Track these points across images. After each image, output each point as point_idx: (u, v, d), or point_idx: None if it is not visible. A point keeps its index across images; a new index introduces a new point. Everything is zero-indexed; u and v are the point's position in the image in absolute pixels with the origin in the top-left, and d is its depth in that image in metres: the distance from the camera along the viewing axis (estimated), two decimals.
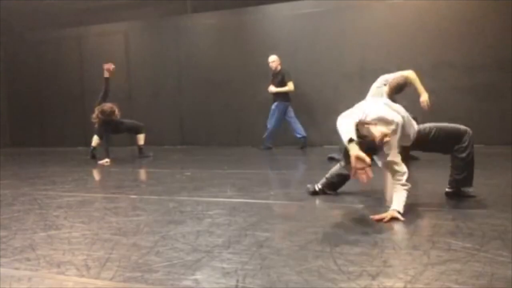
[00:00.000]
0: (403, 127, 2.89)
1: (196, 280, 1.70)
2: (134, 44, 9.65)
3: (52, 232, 2.50)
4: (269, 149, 7.46)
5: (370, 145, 2.76)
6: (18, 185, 4.66)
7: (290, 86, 7.53)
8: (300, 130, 7.62)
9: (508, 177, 3.92)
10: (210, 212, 2.99)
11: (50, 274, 1.82)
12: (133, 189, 3.94)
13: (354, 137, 2.54)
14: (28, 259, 2.02)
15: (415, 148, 3.34)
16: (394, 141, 2.79)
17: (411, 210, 2.87)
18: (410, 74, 4.99)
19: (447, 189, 3.26)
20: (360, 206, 2.95)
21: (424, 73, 7.49)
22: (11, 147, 9.95)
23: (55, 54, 10.33)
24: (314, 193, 3.45)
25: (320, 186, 3.46)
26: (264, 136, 7.56)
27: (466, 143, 3.18)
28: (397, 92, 4.74)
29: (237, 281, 1.67)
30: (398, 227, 2.39)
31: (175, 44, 8.97)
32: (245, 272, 1.76)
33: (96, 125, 6.99)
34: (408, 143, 3.08)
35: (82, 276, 1.79)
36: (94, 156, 7.13)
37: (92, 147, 7.29)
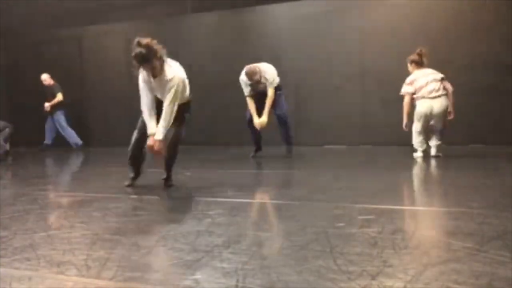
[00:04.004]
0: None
1: (196, 280, 1.70)
2: None
3: (52, 232, 2.50)
4: (78, 146, 8.94)
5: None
6: (18, 185, 4.66)
7: (59, 97, 8.93)
8: (49, 138, 9.12)
9: (508, 177, 3.93)
10: (210, 212, 2.99)
11: (50, 274, 1.82)
12: (133, 189, 3.94)
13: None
14: (28, 259, 2.02)
15: None
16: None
17: (411, 209, 2.88)
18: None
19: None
20: (360, 206, 2.95)
21: None
22: (11, 147, 9.95)
23: (55, 54, 10.33)
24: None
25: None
26: (78, 143, 8.98)
27: None
28: None
29: (237, 281, 1.67)
30: (398, 227, 2.39)
31: (175, 44, 8.98)
32: (245, 272, 1.76)
33: None
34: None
35: (82, 276, 1.79)
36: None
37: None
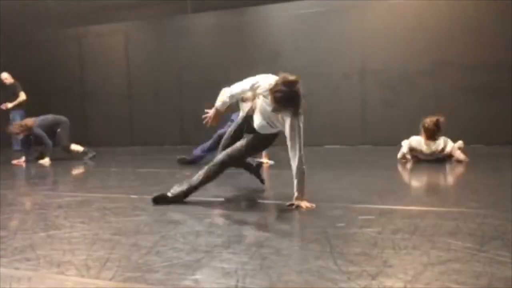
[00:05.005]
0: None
1: (196, 280, 1.70)
2: (134, 44, 9.66)
3: (52, 232, 2.50)
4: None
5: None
6: (18, 185, 4.66)
7: (22, 96, 8.51)
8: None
9: (508, 177, 3.93)
10: (210, 212, 2.99)
11: (50, 274, 1.82)
12: (133, 189, 3.94)
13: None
14: (28, 259, 2.02)
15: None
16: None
17: (411, 209, 2.88)
18: None
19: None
20: (360, 206, 2.95)
21: (424, 73, 7.52)
22: (11, 147, 9.95)
23: (55, 54, 10.33)
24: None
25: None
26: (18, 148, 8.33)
27: None
28: None
29: (237, 281, 1.67)
30: (398, 227, 2.39)
31: (175, 44, 8.98)
32: (245, 272, 1.76)
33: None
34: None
35: (82, 276, 1.79)
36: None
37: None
